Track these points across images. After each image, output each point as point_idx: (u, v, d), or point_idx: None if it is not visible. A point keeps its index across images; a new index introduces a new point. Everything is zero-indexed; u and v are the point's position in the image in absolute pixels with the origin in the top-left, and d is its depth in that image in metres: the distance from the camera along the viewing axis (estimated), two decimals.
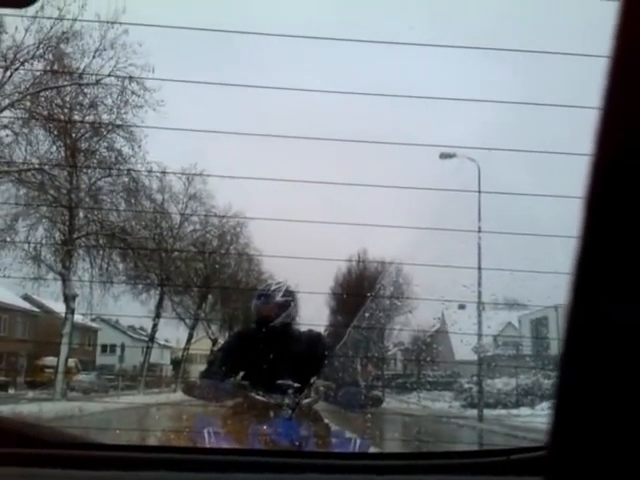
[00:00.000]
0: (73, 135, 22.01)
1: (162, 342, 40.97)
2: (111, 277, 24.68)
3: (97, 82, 21.40)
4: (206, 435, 2.65)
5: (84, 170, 22.67)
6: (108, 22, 20.13)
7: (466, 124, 27.59)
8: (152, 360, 33.30)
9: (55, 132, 21.83)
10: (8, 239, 21.89)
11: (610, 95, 0.42)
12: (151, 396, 24.68)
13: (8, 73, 20.02)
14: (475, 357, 22.15)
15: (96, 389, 29.09)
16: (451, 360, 28.36)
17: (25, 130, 21.11)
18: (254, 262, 32.85)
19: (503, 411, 20.58)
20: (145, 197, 25.17)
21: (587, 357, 0.41)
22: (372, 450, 2.88)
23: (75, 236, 22.95)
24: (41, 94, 20.86)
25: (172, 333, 38.47)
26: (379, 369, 30.93)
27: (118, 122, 21.91)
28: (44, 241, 23.00)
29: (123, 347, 38.18)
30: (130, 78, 21.00)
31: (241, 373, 3.08)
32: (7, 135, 20.76)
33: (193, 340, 33.83)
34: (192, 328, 32.88)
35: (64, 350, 22.53)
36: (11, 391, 27.25)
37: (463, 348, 23.31)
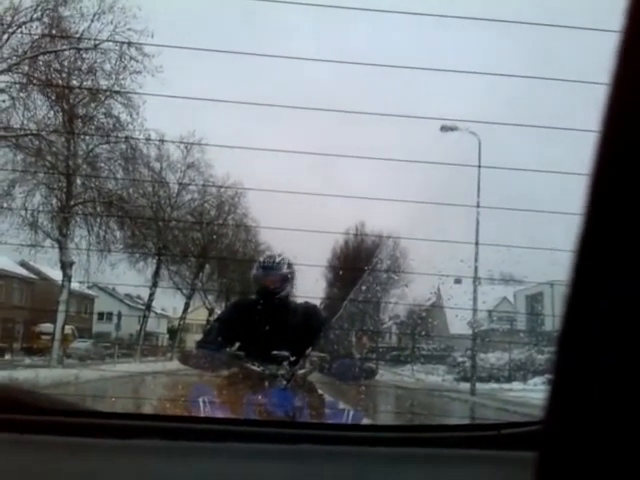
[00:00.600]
0: (71, 101, 21.80)
1: (159, 311, 41.16)
2: (108, 245, 24.68)
3: (95, 47, 21.17)
4: (201, 404, 2.67)
5: (82, 136, 22.51)
6: None
7: (468, 97, 27.40)
8: (148, 329, 33.47)
9: (53, 97, 21.63)
10: (5, 205, 21.83)
11: (621, 72, 0.41)
12: (147, 364, 24.84)
13: (5, 36, 19.76)
14: (469, 331, 22.28)
15: (92, 357, 29.27)
16: (446, 334, 28.54)
17: (22, 95, 20.92)
18: (251, 233, 32.87)
19: (495, 385, 20.80)
20: (143, 165, 25.09)
21: (588, 332, 0.41)
22: (365, 422, 2.91)
23: (72, 203, 22.88)
24: (39, 58, 20.61)
25: (169, 302, 38.68)
26: (374, 342, 31.13)
27: (116, 88, 21.73)
28: (41, 208, 22.95)
29: (120, 315, 38.33)
30: (129, 43, 20.77)
31: (237, 344, 3.10)
32: (4, 100, 20.59)
33: (190, 310, 33.98)
34: (189, 298, 32.99)
35: (61, 317, 22.62)
36: (7, 357, 27.42)
37: (458, 322, 23.43)
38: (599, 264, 0.41)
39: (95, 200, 23.66)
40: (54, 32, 20.46)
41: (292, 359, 2.92)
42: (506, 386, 20.73)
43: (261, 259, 3.30)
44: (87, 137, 22.80)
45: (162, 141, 24.84)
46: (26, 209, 22.38)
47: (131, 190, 24.76)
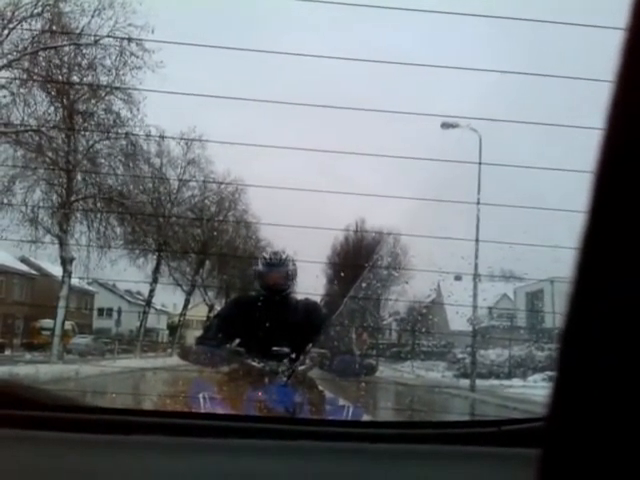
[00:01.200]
0: (71, 97, 21.77)
1: (159, 307, 41.17)
2: (108, 241, 24.69)
3: (96, 42, 21.12)
4: (201, 400, 2.67)
5: (82, 133, 22.49)
6: None
7: (469, 94, 27.36)
8: (149, 325, 33.48)
9: (53, 93, 21.61)
10: (5, 201, 21.81)
11: (625, 69, 0.40)
12: (147, 360, 24.88)
13: (5, 32, 19.73)
14: (469, 328, 22.30)
15: (93, 352, 29.29)
16: (446, 331, 28.56)
17: (23, 91, 20.89)
18: (252, 229, 32.86)
19: (495, 382, 20.82)
20: (143, 161, 25.05)
21: (591, 330, 0.41)
22: (365, 418, 2.92)
23: (73, 199, 22.87)
24: (39, 54, 20.59)
25: (169, 298, 38.68)
26: (374, 338, 31.16)
27: (117, 84, 21.69)
28: (41, 204, 22.93)
29: (120, 311, 38.37)
30: (129, 39, 20.74)
31: (237, 340, 3.10)
32: (4, 96, 20.57)
33: (190, 306, 33.98)
34: (189, 294, 33.00)
35: (61, 313, 22.62)
36: (7, 353, 27.44)
37: (458, 319, 23.46)
38: (603, 262, 0.41)
39: (95, 196, 23.65)
40: (54, 28, 20.44)
41: (292, 355, 2.92)
42: (506, 383, 20.76)
43: (265, 256, 3.28)
44: (87, 133, 22.78)
45: (162, 137, 24.84)
46: (26, 205, 22.38)
47: (131, 186, 24.75)
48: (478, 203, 16.24)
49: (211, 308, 30.67)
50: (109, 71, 21.66)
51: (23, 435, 1.14)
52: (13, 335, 31.58)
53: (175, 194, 28.91)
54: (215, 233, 30.38)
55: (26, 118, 21.05)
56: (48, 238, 23.08)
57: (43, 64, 20.89)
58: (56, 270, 26.53)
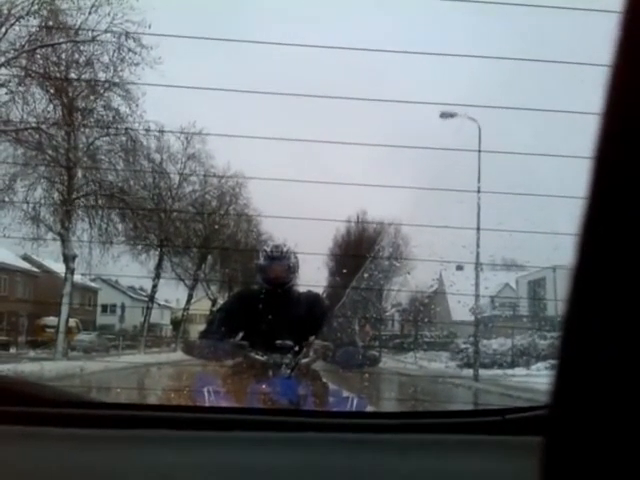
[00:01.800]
0: (70, 94, 21.75)
1: (162, 302, 41.19)
2: (110, 237, 24.69)
3: (93, 39, 21.10)
4: (206, 394, 2.68)
5: (82, 129, 22.48)
6: None
7: (467, 82, 27.22)
8: (152, 320, 33.52)
9: (52, 90, 21.57)
10: (7, 199, 21.84)
11: (622, 52, 0.40)
12: (151, 355, 24.92)
13: (3, 30, 19.69)
14: (472, 318, 22.31)
15: (97, 349, 29.36)
16: (448, 321, 28.57)
17: (21, 88, 20.87)
18: (253, 223, 32.84)
19: (499, 371, 20.84)
20: (143, 157, 25.03)
21: (593, 317, 0.40)
22: (369, 409, 2.92)
23: (74, 196, 22.88)
24: (37, 51, 20.56)
25: (172, 293, 38.68)
26: (377, 330, 31.19)
27: (115, 80, 21.68)
28: (43, 201, 22.96)
29: (123, 307, 38.44)
30: (127, 35, 20.70)
31: (240, 333, 3.11)
32: (4, 94, 20.56)
33: (193, 300, 34.01)
34: (192, 288, 33.03)
35: (64, 310, 22.68)
36: (12, 350, 27.51)
37: (460, 309, 23.44)
38: (603, 249, 0.40)
39: (96, 193, 23.66)
40: (51, 25, 20.40)
41: (296, 348, 2.93)
42: (509, 372, 20.76)
43: (267, 249, 3.27)
44: (87, 130, 22.77)
45: (162, 132, 24.80)
46: (28, 203, 22.40)
47: (132, 182, 24.76)
48: (479, 192, 16.20)
49: (214, 302, 30.68)
50: (107, 68, 21.67)
51: (29, 431, 1.15)
52: (17, 333, 31.64)
53: (176, 189, 28.90)
54: (216, 227, 30.37)
55: (25, 116, 21.06)
56: (50, 235, 23.14)
57: (41, 61, 20.86)
58: (59, 267, 26.57)
